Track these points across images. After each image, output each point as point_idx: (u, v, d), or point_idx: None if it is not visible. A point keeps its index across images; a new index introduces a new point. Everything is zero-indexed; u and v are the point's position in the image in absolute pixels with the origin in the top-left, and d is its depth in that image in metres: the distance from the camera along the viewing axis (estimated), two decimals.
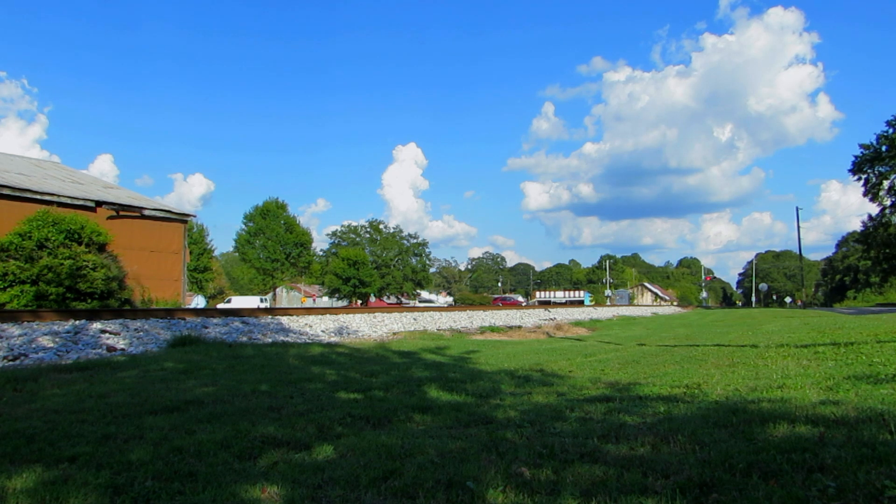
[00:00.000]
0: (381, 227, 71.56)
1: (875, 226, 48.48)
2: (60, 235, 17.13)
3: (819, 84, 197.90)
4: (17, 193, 20.69)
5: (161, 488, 2.93)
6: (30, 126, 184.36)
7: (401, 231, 72.28)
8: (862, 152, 45.66)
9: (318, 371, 7.46)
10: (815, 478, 2.88)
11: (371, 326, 16.66)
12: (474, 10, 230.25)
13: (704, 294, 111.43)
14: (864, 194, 46.90)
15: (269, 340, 12.27)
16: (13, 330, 9.93)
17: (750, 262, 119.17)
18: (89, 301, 16.99)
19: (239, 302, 53.34)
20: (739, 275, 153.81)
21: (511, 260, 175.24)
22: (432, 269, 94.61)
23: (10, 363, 8.29)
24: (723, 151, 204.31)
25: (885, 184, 45.89)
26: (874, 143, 44.92)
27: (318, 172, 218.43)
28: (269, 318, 15.01)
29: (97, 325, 11.03)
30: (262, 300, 56.78)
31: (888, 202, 46.62)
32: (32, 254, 16.34)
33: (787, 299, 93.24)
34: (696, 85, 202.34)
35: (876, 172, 45.69)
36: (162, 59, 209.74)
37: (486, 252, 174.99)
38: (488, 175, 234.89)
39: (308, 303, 68.23)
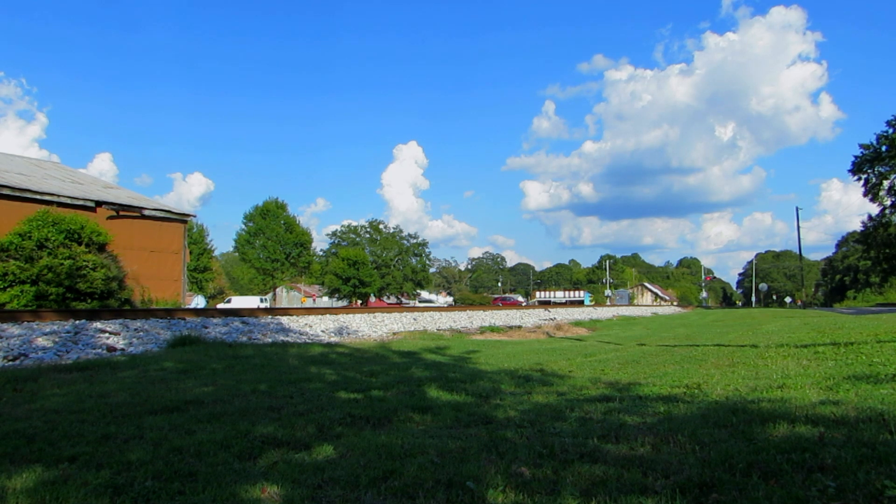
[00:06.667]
0: (381, 227, 71.58)
1: (875, 226, 48.43)
2: (60, 235, 17.13)
3: (822, 83, 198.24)
4: (17, 193, 20.69)
5: (161, 488, 2.93)
6: (29, 125, 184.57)
7: (401, 231, 72.36)
8: (862, 152, 45.62)
9: (318, 371, 7.46)
10: (815, 478, 2.88)
11: (371, 326, 16.66)
12: (474, 9, 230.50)
13: (704, 294, 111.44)
14: (865, 194, 46.90)
15: (269, 340, 12.27)
16: (13, 330, 9.92)
17: (750, 262, 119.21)
18: (89, 301, 16.99)
19: (239, 302, 53.34)
20: (739, 275, 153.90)
21: (511, 260, 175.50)
22: (432, 269, 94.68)
23: (10, 363, 8.29)
24: (724, 151, 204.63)
25: (885, 184, 45.85)
26: (874, 143, 44.91)
27: (318, 172, 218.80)
28: (268, 318, 15.01)
29: (97, 325, 11.03)
30: (262, 300, 56.77)
31: (888, 202, 46.60)
32: (32, 254, 16.33)
33: (787, 299, 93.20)
34: (698, 84, 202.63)
35: (876, 172, 45.66)
36: (162, 59, 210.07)
37: (486, 252, 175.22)
38: (488, 175, 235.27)
39: (308, 303, 68.25)
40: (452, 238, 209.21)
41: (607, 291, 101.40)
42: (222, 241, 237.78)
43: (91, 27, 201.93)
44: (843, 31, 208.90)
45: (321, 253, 70.99)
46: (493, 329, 20.13)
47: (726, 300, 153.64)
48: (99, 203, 23.38)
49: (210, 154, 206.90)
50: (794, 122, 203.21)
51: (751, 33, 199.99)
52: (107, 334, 10.63)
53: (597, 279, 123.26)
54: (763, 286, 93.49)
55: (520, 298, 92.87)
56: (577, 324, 26.24)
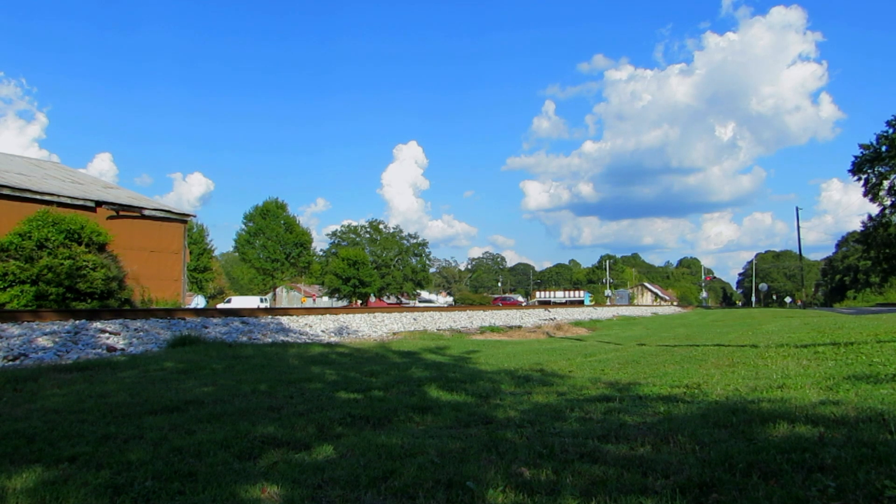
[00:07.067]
0: (381, 227, 71.57)
1: (875, 226, 48.42)
2: (60, 235, 17.12)
3: (822, 83, 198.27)
4: (17, 193, 20.69)
5: (161, 488, 2.93)
6: (29, 125, 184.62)
7: (401, 231, 72.36)
8: (862, 152, 45.62)
9: (318, 371, 7.46)
10: (815, 478, 2.88)
11: (371, 326, 16.66)
12: (474, 9, 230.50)
13: (704, 294, 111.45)
14: (865, 194, 46.89)
15: (269, 340, 12.27)
16: (13, 330, 9.93)
17: (750, 262, 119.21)
18: (89, 301, 16.99)
19: (239, 302, 53.34)
20: (739, 275, 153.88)
21: (511, 260, 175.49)
22: (432, 269, 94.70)
23: (10, 363, 8.29)
24: (724, 151, 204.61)
25: (885, 184, 45.84)
26: (874, 143, 44.90)
27: (318, 172, 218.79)
28: (268, 318, 15.01)
29: (97, 325, 11.03)
30: (262, 300, 56.77)
31: (888, 202, 46.59)
32: (32, 254, 16.33)
33: (787, 299, 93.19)
34: (698, 84, 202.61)
35: (876, 172, 45.65)
36: (162, 59, 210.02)
37: (486, 252, 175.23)
38: (488, 175, 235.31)
39: (308, 303, 68.24)
40: (452, 238, 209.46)
41: (607, 291, 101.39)
42: (222, 241, 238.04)
43: (91, 27, 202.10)
44: (843, 31, 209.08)
45: (321, 253, 71.06)
46: (493, 329, 20.13)
47: (726, 300, 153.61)
48: (99, 203, 23.37)
49: (210, 154, 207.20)
50: (794, 122, 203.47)
51: (751, 33, 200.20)
52: (107, 334, 10.63)
53: (597, 279, 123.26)
54: (763, 286, 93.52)
55: (520, 298, 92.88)
56: (577, 324, 26.23)
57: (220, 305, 49.19)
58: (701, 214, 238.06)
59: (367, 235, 70.68)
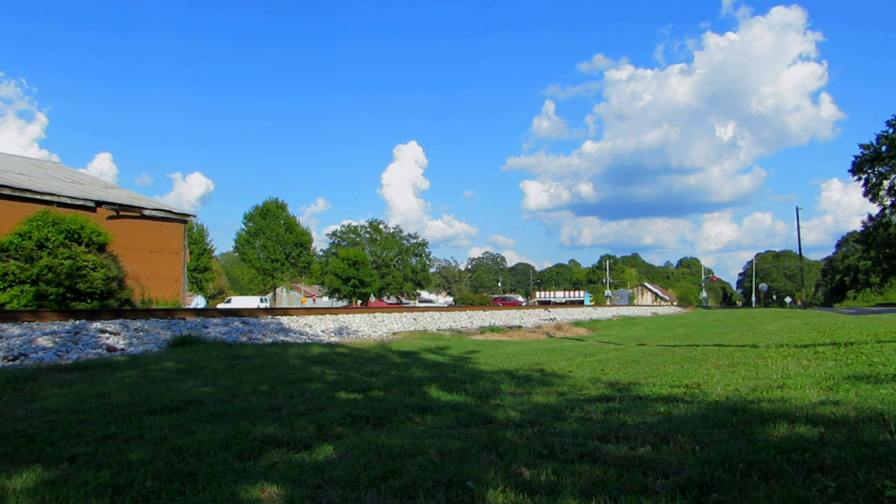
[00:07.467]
0: (381, 227, 71.60)
1: (875, 226, 48.41)
2: (60, 235, 17.13)
3: (822, 83, 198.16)
4: (17, 193, 20.69)
5: (161, 488, 2.93)
6: (29, 125, 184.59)
7: (401, 231, 72.40)
8: (862, 152, 45.62)
9: (318, 371, 7.46)
10: (815, 478, 2.88)
11: (371, 326, 16.66)
12: (474, 9, 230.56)
13: (704, 294, 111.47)
14: (865, 194, 46.89)
15: (269, 340, 12.27)
16: (13, 330, 9.93)
17: (750, 262, 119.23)
18: (89, 301, 16.99)
19: (239, 302, 53.34)
20: (739, 275, 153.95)
21: (511, 260, 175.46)
22: (432, 269, 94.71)
23: (10, 363, 8.29)
24: (725, 150, 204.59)
25: (885, 184, 45.83)
26: (874, 143, 44.90)
27: (318, 172, 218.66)
28: (269, 318, 15.01)
29: (97, 325, 11.03)
30: (262, 300, 56.78)
31: (888, 202, 46.59)
32: (32, 254, 16.33)
33: (787, 299, 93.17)
34: (698, 84, 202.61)
35: (876, 172, 45.65)
36: (162, 59, 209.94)
37: (486, 252, 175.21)
38: (488, 175, 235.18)
39: (308, 303, 68.25)
40: (452, 238, 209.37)
41: (607, 291, 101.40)
42: (222, 241, 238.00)
43: (91, 27, 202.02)
44: (843, 31, 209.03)
45: (321, 253, 71.08)
46: (493, 329, 20.13)
47: (726, 300, 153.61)
48: (99, 203, 23.37)
49: (210, 154, 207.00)
50: (794, 121, 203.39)
51: (751, 33, 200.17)
52: (107, 334, 10.63)
53: (597, 279, 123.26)
54: (763, 286, 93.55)
55: (520, 298, 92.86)
56: (577, 324, 26.23)
57: (220, 305, 49.20)
58: (701, 214, 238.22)
59: (367, 235, 70.71)
